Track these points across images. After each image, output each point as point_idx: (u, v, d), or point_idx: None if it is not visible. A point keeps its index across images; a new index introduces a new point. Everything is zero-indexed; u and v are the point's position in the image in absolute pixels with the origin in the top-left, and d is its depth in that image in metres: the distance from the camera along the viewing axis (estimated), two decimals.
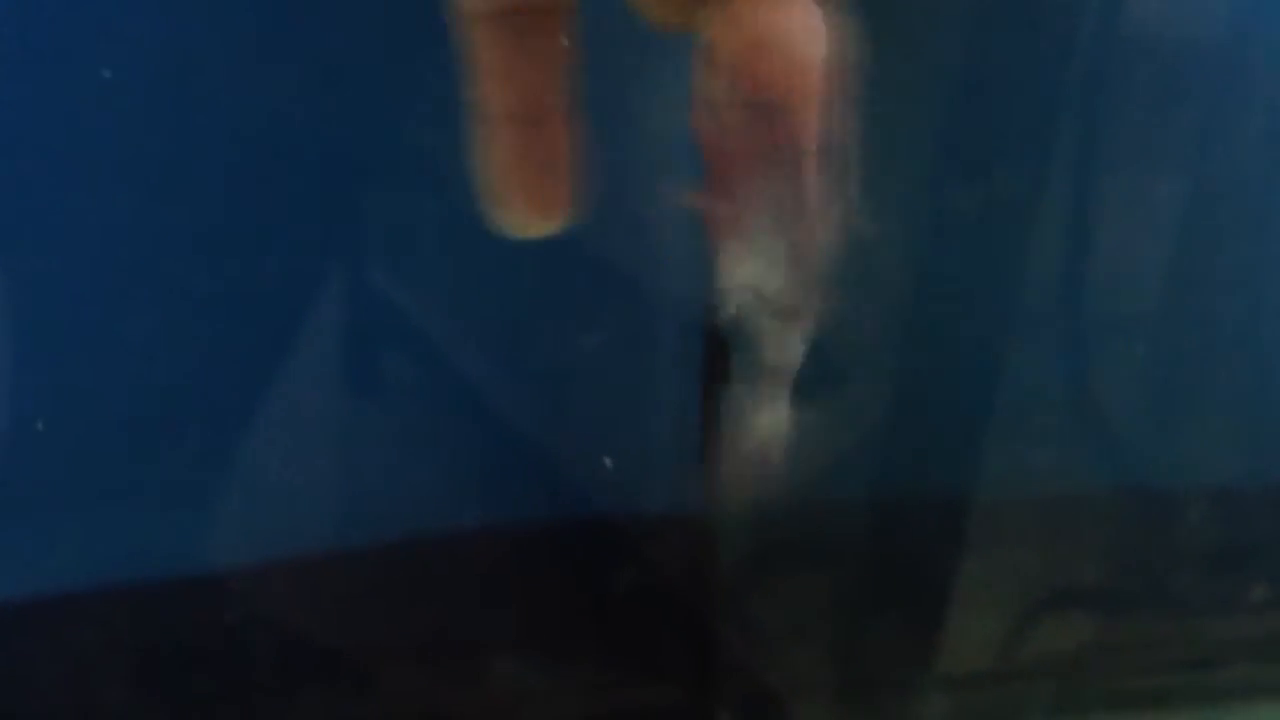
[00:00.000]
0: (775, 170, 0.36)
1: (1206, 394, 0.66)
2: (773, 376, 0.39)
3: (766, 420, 0.39)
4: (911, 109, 0.59)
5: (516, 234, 0.37)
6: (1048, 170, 0.61)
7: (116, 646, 0.61)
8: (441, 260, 0.59)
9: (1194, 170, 0.61)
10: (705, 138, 0.36)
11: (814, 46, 0.35)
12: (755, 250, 0.37)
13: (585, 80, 0.37)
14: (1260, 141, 0.62)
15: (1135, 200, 0.62)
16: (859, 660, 0.70)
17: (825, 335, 0.66)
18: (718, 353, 0.64)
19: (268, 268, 0.57)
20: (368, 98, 0.55)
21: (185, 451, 0.58)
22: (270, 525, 0.61)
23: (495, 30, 0.35)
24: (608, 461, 0.64)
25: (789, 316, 0.38)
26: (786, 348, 0.39)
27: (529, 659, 0.68)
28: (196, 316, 0.57)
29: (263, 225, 0.56)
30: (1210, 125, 0.61)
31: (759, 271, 0.37)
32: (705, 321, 0.61)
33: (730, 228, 0.37)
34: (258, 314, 0.58)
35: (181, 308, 0.56)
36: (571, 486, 0.67)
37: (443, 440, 0.63)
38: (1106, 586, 0.70)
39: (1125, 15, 0.58)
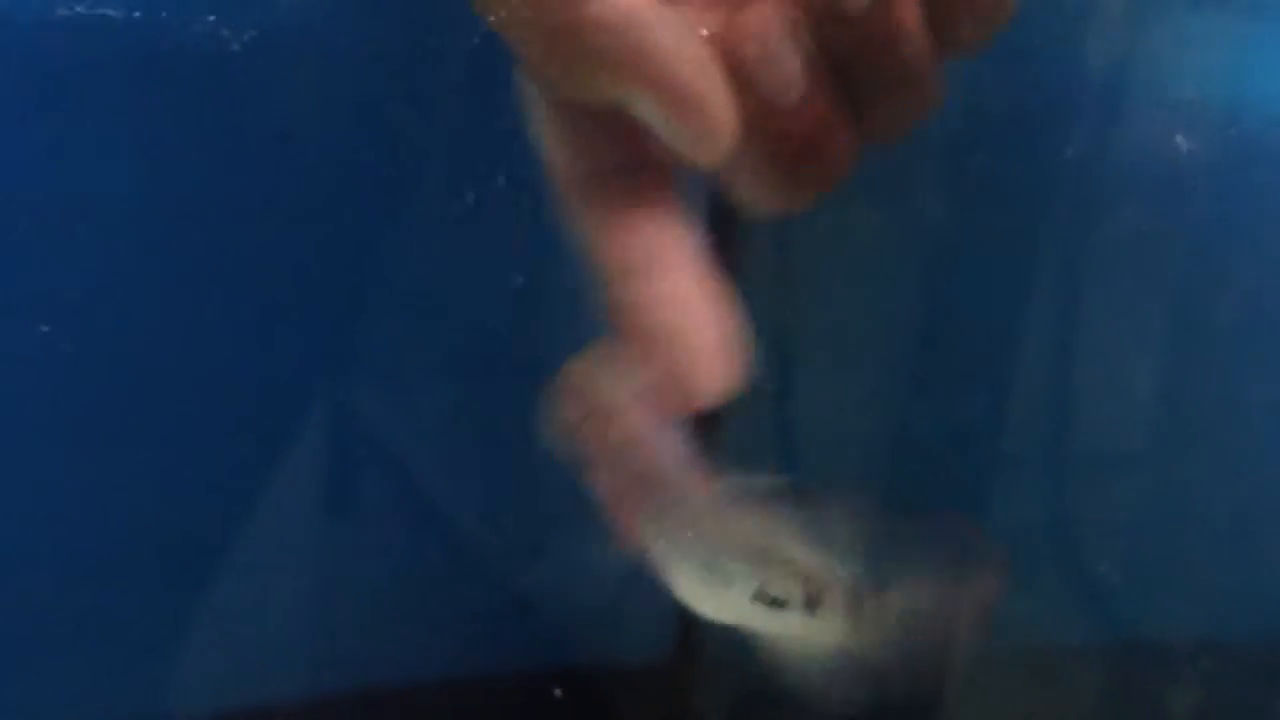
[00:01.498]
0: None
1: (1195, 545, 0.65)
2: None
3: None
4: (890, 261, 0.60)
5: (693, 405, 0.35)
6: (1028, 318, 0.61)
7: None
8: (426, 400, 0.59)
9: (1180, 311, 0.61)
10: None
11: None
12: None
13: None
14: (1245, 289, 0.62)
15: (1120, 345, 0.62)
16: None
17: (803, 481, 0.66)
18: None
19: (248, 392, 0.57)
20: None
21: (151, 597, 0.57)
22: (240, 673, 0.60)
23: (605, 189, 0.35)
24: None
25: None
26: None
27: None
28: (161, 464, 0.56)
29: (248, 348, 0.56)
30: (1195, 270, 0.61)
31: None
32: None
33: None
34: (231, 464, 0.57)
35: (149, 450, 0.56)
36: (548, 637, 0.66)
37: (417, 591, 0.62)
38: None
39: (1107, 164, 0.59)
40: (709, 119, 0.32)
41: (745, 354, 0.35)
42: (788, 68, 0.33)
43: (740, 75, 0.33)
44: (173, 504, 0.57)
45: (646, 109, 0.32)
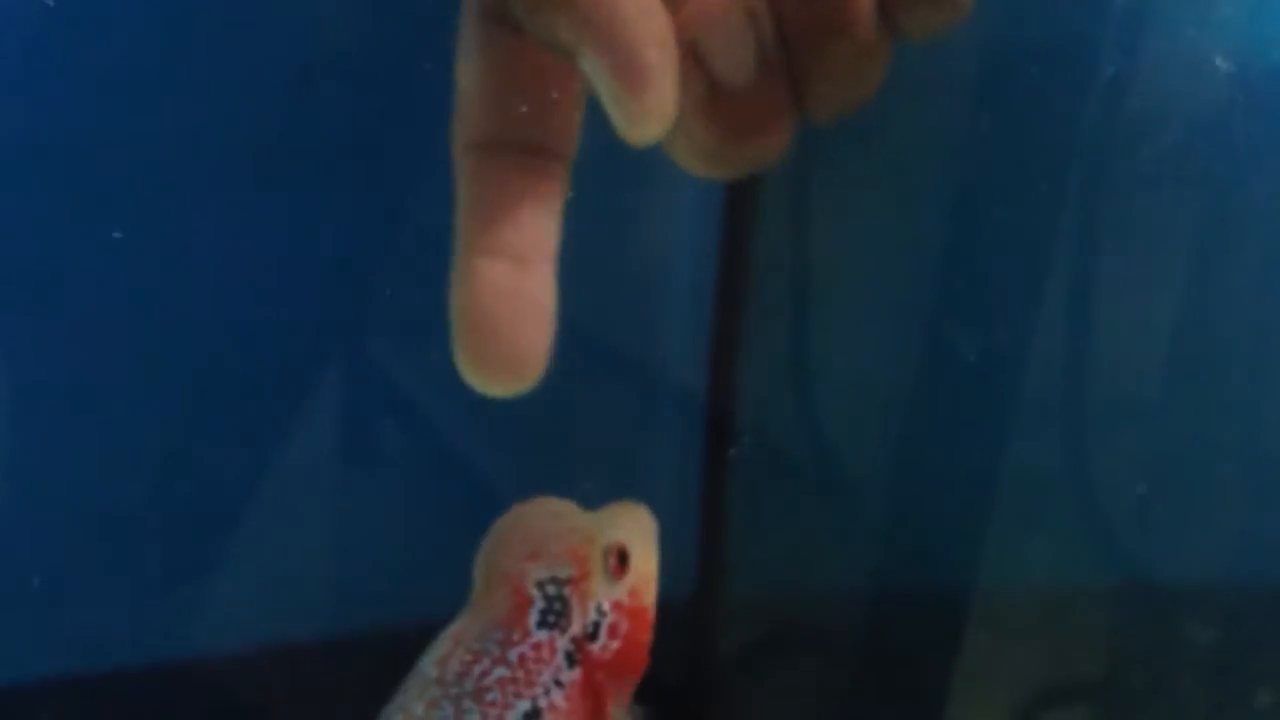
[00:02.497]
0: None
1: (1209, 490, 0.65)
2: None
3: None
4: (910, 209, 0.60)
5: (483, 385, 0.33)
6: (1048, 266, 0.61)
7: None
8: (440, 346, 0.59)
9: (1197, 266, 0.61)
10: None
11: None
12: None
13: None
14: (1261, 235, 0.62)
15: (1136, 295, 0.62)
16: None
17: (827, 428, 0.66)
18: (719, 440, 0.64)
19: (258, 348, 0.57)
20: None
21: (174, 538, 0.58)
22: (260, 612, 0.61)
23: (491, 163, 0.34)
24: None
25: None
26: None
27: None
28: (191, 398, 0.57)
29: (258, 315, 0.56)
30: (1210, 218, 0.61)
31: None
32: (708, 409, 0.62)
33: None
34: (252, 394, 0.57)
35: (177, 393, 0.56)
36: None
37: (433, 529, 0.63)
38: (1105, 683, 0.69)
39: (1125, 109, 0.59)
40: (651, 97, 0.30)
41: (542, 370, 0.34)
42: (742, 53, 0.33)
43: (695, 51, 0.33)
44: (199, 450, 0.57)
45: (594, 67, 0.31)
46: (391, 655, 0.63)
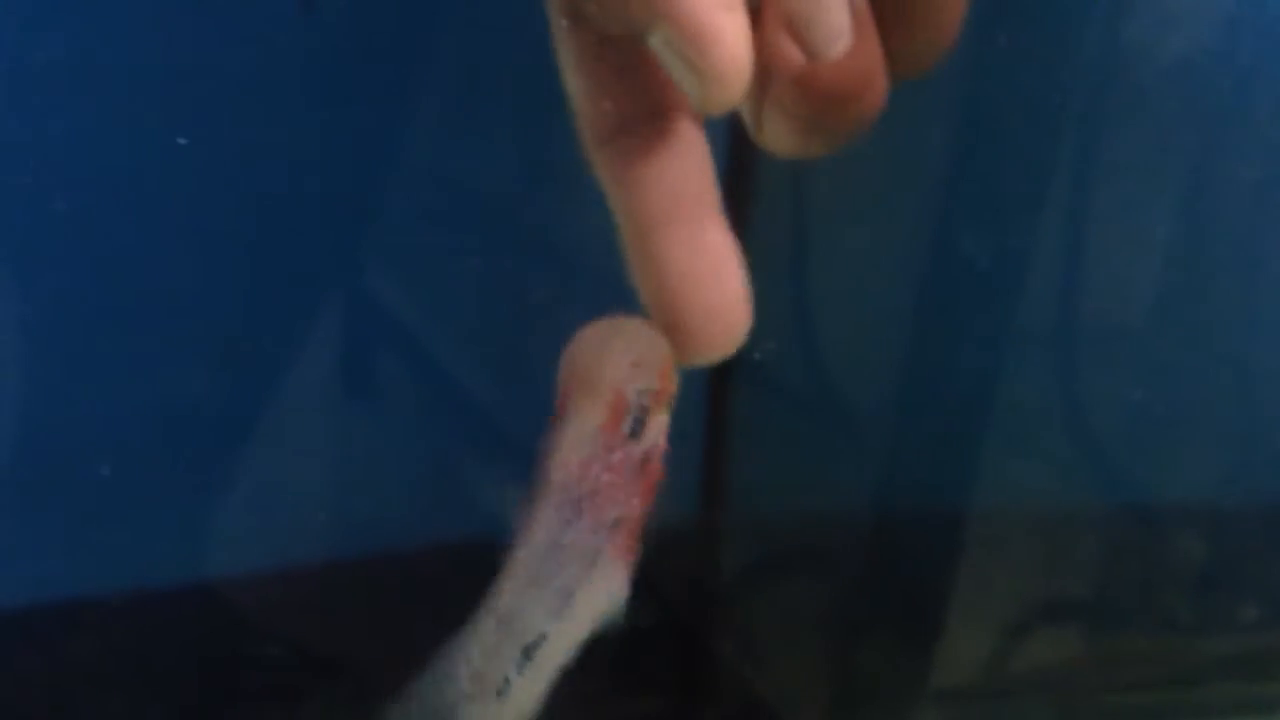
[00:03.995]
0: None
1: (1199, 412, 0.66)
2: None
3: None
4: (909, 134, 0.60)
5: (703, 353, 0.34)
6: (1040, 193, 0.61)
7: (111, 654, 0.61)
8: (439, 271, 0.59)
9: (1188, 188, 0.62)
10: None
11: None
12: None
13: None
14: (1253, 160, 0.62)
15: (1129, 220, 0.62)
16: (852, 674, 0.71)
17: (826, 352, 0.67)
18: (723, 364, 0.64)
19: (265, 281, 0.57)
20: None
21: (181, 462, 0.58)
22: (265, 535, 0.61)
23: (626, 148, 0.34)
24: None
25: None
26: None
27: None
28: (197, 326, 0.57)
29: (263, 240, 0.56)
30: (1204, 147, 0.61)
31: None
32: None
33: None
34: (256, 325, 0.58)
35: (183, 320, 0.56)
36: None
37: (434, 451, 0.63)
38: (1098, 602, 0.70)
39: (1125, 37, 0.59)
40: (720, 60, 0.30)
41: (752, 308, 0.34)
42: (838, 19, 0.32)
43: (789, 24, 0.32)
44: (202, 380, 0.58)
45: (664, 40, 0.30)
46: (394, 578, 0.64)
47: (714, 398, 0.65)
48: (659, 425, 0.34)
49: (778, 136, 0.34)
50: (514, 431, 0.64)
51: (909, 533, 0.68)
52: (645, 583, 0.69)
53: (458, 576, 0.66)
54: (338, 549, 0.63)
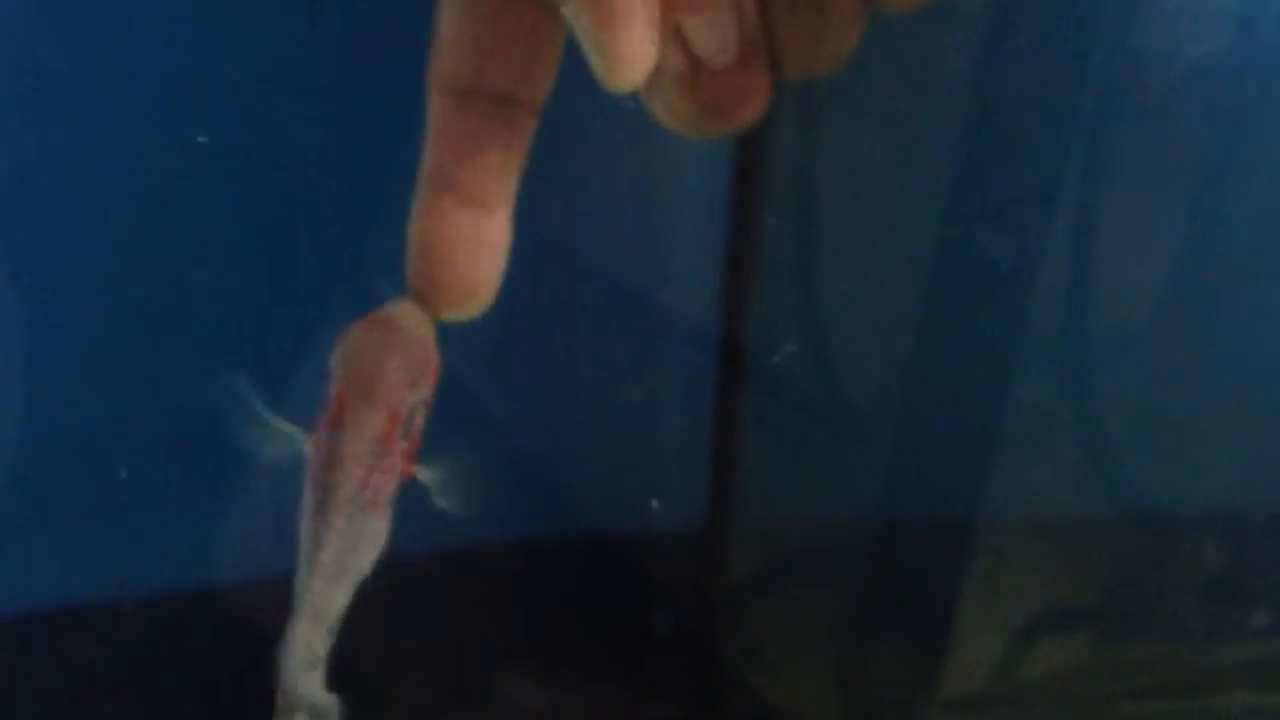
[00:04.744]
0: None
1: (1209, 418, 0.66)
2: None
3: None
4: (921, 137, 0.60)
5: (431, 311, 0.36)
6: (1051, 197, 0.61)
7: (116, 660, 0.61)
8: None
9: (1201, 192, 0.62)
10: None
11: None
12: None
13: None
14: (1265, 166, 0.62)
15: (1141, 224, 0.62)
16: (861, 681, 0.71)
17: (834, 358, 0.67)
18: (732, 370, 0.64)
19: (278, 277, 0.57)
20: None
21: (197, 464, 0.58)
22: (271, 540, 0.61)
23: (463, 108, 0.35)
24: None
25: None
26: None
27: (531, 676, 0.68)
28: (208, 326, 0.57)
29: (272, 236, 0.57)
30: (1217, 150, 0.61)
31: None
32: (720, 339, 0.62)
33: None
34: (270, 323, 0.58)
35: (192, 319, 0.57)
36: (577, 504, 0.67)
37: (448, 457, 0.63)
38: (1109, 610, 0.70)
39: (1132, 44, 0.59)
40: (629, 46, 0.32)
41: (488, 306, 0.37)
42: (726, 36, 0.34)
43: (678, 33, 0.34)
44: (200, 388, 0.58)
45: (574, 13, 0.32)
46: (399, 584, 0.64)
47: (722, 405, 0.65)
48: (423, 418, 0.38)
49: (665, 123, 0.36)
50: (508, 436, 0.64)
51: (918, 539, 0.68)
52: (655, 590, 0.69)
53: (460, 581, 0.66)
54: None
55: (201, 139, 0.52)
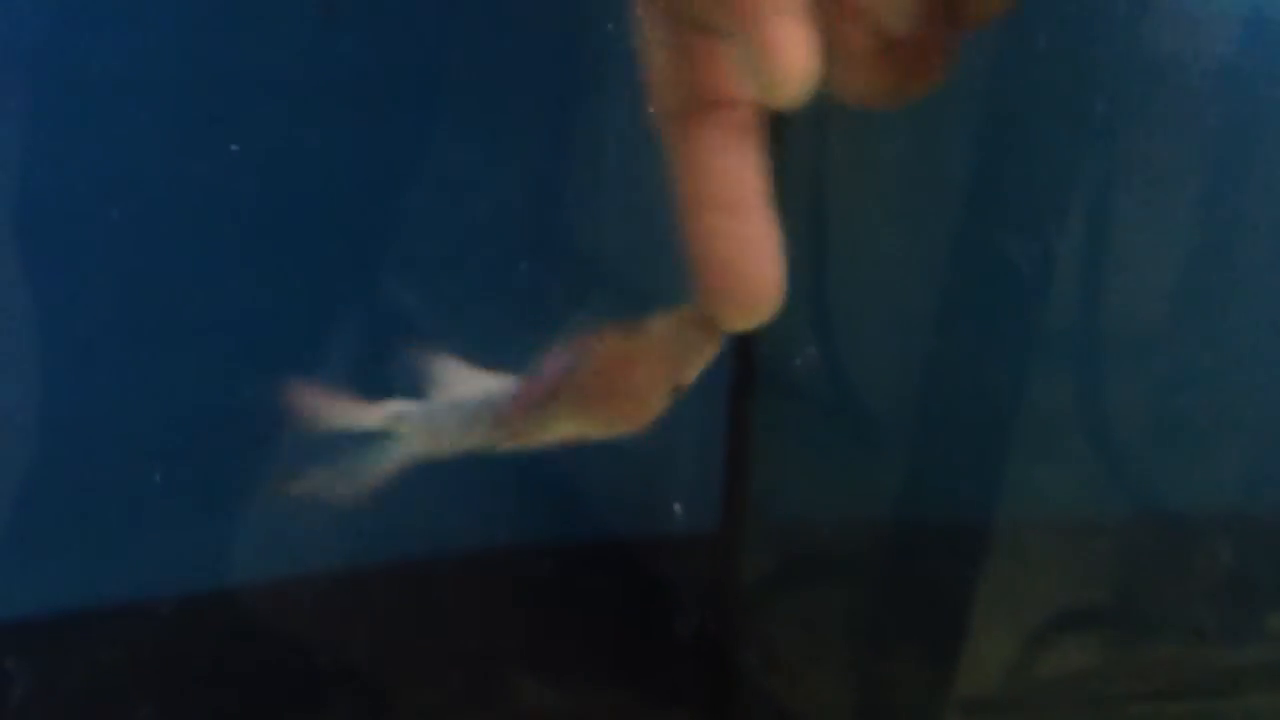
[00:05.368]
0: None
1: (1224, 421, 0.66)
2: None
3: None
4: (936, 139, 0.60)
5: (730, 326, 0.36)
6: (1067, 200, 0.61)
7: (136, 662, 0.61)
8: (459, 275, 0.60)
9: (1215, 195, 0.62)
10: None
11: None
12: None
13: None
14: (1275, 169, 0.62)
15: (1152, 227, 0.62)
16: (876, 682, 0.71)
17: (848, 361, 0.67)
18: (746, 374, 0.64)
19: (285, 281, 0.58)
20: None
21: (206, 467, 0.59)
22: (288, 542, 0.61)
23: (695, 125, 0.36)
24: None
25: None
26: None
27: (547, 679, 0.68)
28: (215, 328, 0.57)
29: (281, 239, 0.57)
30: (1231, 154, 0.61)
31: None
32: (734, 342, 0.62)
33: None
34: (275, 328, 0.58)
35: (200, 320, 0.57)
36: (592, 509, 0.67)
37: (463, 461, 0.63)
38: (1124, 611, 0.70)
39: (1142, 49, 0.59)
40: (785, 69, 0.33)
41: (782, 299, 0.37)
42: (903, 2, 0.35)
43: (856, 7, 0.34)
44: (220, 388, 0.58)
45: (737, 44, 0.33)
46: (405, 588, 0.64)
47: (736, 408, 0.65)
48: None
49: (861, 97, 0.36)
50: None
51: (934, 541, 0.68)
52: (670, 593, 0.69)
53: (476, 585, 0.66)
54: (361, 556, 0.63)
55: (234, 147, 0.52)
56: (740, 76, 0.35)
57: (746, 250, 0.36)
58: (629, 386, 0.37)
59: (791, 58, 0.32)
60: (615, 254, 0.62)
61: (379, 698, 0.66)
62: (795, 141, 0.60)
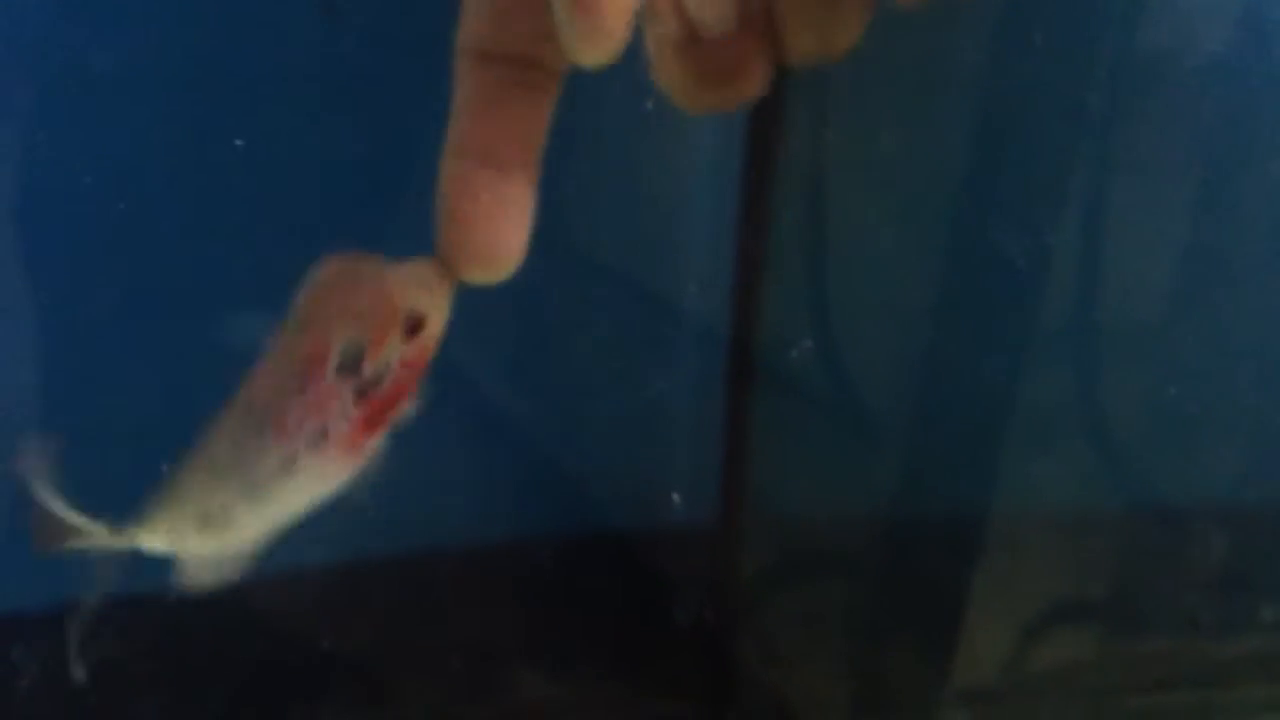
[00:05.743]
0: None
1: (1219, 413, 0.66)
2: None
3: None
4: (933, 133, 0.60)
5: (460, 274, 0.37)
6: (1064, 193, 0.61)
7: (139, 653, 0.61)
8: None
9: (1208, 184, 0.62)
10: None
11: None
12: None
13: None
14: (1277, 163, 0.62)
15: (1151, 218, 0.62)
16: (874, 674, 0.71)
17: (846, 354, 0.67)
18: (744, 366, 0.65)
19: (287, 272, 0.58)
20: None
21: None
22: (289, 534, 0.61)
23: (488, 71, 0.36)
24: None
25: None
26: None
27: (545, 672, 0.69)
28: (220, 316, 0.57)
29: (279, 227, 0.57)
30: (1227, 144, 0.61)
31: None
32: (732, 334, 0.62)
33: None
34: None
35: (204, 310, 0.57)
36: (590, 502, 0.68)
37: (462, 454, 0.64)
38: (1120, 603, 0.70)
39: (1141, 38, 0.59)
40: (595, 26, 0.32)
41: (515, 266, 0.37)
42: (724, 6, 0.35)
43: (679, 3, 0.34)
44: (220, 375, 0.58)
45: None
46: (405, 581, 0.64)
47: (735, 401, 0.65)
48: (389, 363, 0.38)
49: (663, 86, 0.36)
50: (521, 433, 0.64)
51: (931, 534, 0.68)
52: (669, 586, 0.69)
53: (474, 578, 0.66)
54: (360, 549, 0.64)
55: (238, 142, 0.52)
56: (552, 38, 0.34)
57: (496, 208, 0.36)
58: (349, 308, 0.36)
59: (603, 16, 0.32)
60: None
61: (379, 689, 0.66)
62: (792, 133, 0.60)
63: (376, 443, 0.40)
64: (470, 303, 0.60)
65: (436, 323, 0.38)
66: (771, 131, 0.60)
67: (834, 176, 0.61)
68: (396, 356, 0.38)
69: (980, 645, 0.68)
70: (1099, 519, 0.69)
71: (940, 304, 0.63)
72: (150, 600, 0.60)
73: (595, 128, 0.52)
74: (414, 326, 0.38)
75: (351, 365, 0.37)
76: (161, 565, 0.60)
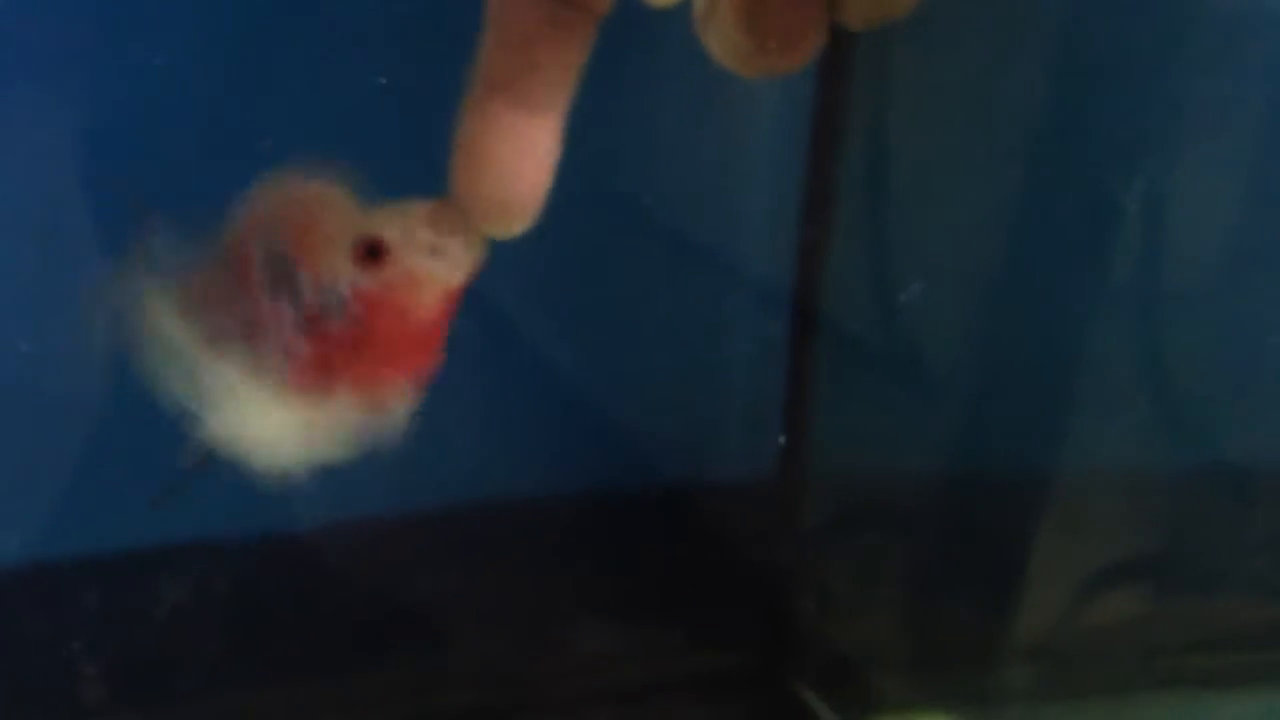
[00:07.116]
0: None
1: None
2: None
3: None
4: (1001, 89, 0.60)
5: (476, 218, 0.34)
6: (1132, 151, 0.61)
7: (195, 602, 0.62)
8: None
9: (1267, 144, 0.61)
10: None
11: None
12: None
13: None
14: None
15: (1217, 180, 0.62)
16: (932, 630, 0.71)
17: (908, 311, 0.67)
18: (806, 321, 0.65)
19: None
20: None
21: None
22: (343, 487, 0.62)
23: (518, 4, 0.34)
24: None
25: None
26: None
27: (604, 626, 0.69)
28: None
29: None
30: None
31: None
32: (795, 289, 0.62)
33: None
34: None
35: None
36: (651, 456, 0.68)
37: (523, 408, 0.64)
38: (1182, 563, 0.70)
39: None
40: None
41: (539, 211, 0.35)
42: None
43: None
44: None
45: None
46: (465, 533, 0.65)
47: (796, 356, 0.65)
48: (338, 289, 0.35)
49: (715, 54, 0.35)
50: (583, 388, 0.64)
51: (991, 491, 0.68)
52: (728, 540, 0.69)
53: (533, 532, 0.67)
54: (422, 502, 0.64)
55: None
56: None
57: (522, 150, 0.34)
58: (283, 216, 0.34)
59: None
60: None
61: (440, 642, 0.67)
62: (858, 88, 0.60)
63: (374, 395, 0.37)
64: (537, 259, 0.60)
65: (415, 259, 0.35)
66: (837, 86, 0.60)
67: (899, 134, 0.61)
68: (347, 283, 0.35)
69: (1040, 602, 0.68)
70: (1162, 478, 0.68)
71: (1005, 261, 0.62)
72: (212, 547, 0.61)
73: (658, 82, 0.52)
74: (369, 252, 0.34)
75: (285, 281, 0.34)
76: (224, 514, 0.61)
